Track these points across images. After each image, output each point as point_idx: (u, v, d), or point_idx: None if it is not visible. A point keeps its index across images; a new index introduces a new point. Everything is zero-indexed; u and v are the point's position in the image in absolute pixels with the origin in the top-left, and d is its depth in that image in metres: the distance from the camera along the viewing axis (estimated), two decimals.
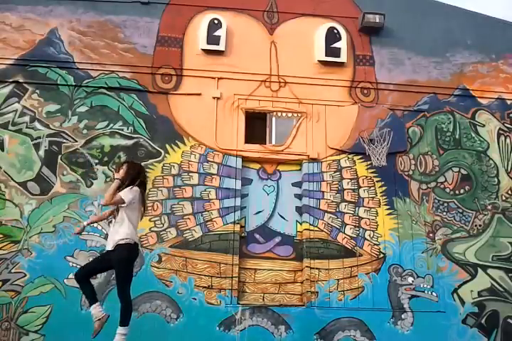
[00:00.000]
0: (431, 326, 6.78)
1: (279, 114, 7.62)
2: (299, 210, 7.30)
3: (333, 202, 7.27)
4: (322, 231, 7.11)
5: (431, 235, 7.26)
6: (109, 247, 4.84)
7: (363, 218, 7.24)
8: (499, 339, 6.91)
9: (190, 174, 7.14)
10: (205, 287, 6.66)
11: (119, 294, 4.76)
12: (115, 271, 4.84)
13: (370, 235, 7.16)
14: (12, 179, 6.79)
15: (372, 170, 7.47)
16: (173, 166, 7.14)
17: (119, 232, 4.79)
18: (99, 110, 7.24)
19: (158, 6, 7.80)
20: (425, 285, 7.00)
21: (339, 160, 7.48)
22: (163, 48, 7.65)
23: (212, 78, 7.56)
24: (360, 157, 7.51)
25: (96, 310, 4.76)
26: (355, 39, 8.10)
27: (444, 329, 6.82)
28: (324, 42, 7.78)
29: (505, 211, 7.54)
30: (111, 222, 4.96)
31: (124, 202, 4.76)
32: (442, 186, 7.55)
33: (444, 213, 7.40)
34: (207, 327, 6.45)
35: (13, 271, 6.43)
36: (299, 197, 7.37)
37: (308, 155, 7.40)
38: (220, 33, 7.62)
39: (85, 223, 5.14)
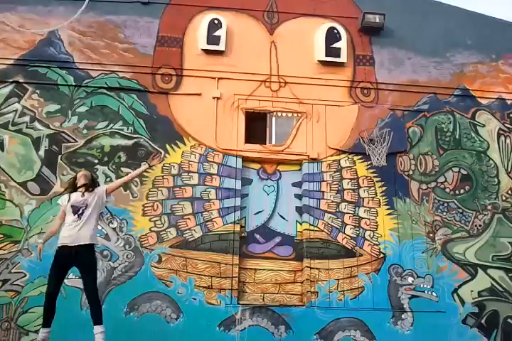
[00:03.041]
0: (431, 326, 6.78)
1: (279, 114, 7.62)
2: (299, 210, 7.30)
3: (333, 202, 7.27)
4: (322, 231, 7.11)
5: (431, 235, 7.26)
6: (77, 242, 4.88)
7: (363, 218, 7.24)
8: (499, 339, 6.92)
9: (190, 174, 7.14)
10: (205, 287, 6.66)
11: (95, 296, 4.84)
12: (90, 273, 4.89)
13: (370, 235, 7.16)
14: (12, 179, 6.79)
15: (372, 170, 7.47)
16: (173, 166, 7.14)
17: (87, 232, 4.95)
18: (99, 110, 7.24)
19: (158, 6, 7.80)
20: (425, 285, 7.01)
21: (339, 160, 7.48)
22: (163, 48, 7.65)
23: (212, 78, 7.56)
24: (360, 157, 7.51)
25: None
26: (355, 39, 8.10)
27: (444, 329, 6.82)
28: (324, 42, 7.78)
29: (505, 211, 7.54)
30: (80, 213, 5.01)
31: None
32: (442, 186, 7.55)
33: (444, 213, 7.40)
34: (207, 327, 6.45)
35: (13, 271, 6.44)
36: (299, 197, 7.37)
37: (308, 155, 7.40)
38: (220, 33, 7.62)
39: (41, 241, 5.17)
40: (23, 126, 7.03)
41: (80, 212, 4.96)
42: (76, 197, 5.11)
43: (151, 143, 7.18)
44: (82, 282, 4.94)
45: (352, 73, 7.93)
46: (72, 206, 5.04)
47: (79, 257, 4.85)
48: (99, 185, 5.43)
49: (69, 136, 7.07)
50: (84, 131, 7.12)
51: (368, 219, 7.24)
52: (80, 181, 5.20)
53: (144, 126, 7.24)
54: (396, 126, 7.71)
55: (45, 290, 4.94)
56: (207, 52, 7.65)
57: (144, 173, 7.00)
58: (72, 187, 5.25)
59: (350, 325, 6.69)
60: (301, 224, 7.22)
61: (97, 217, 5.14)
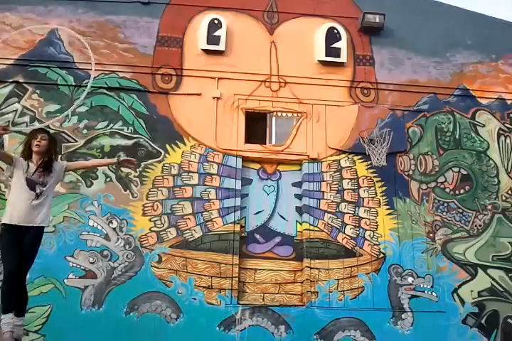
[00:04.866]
0: (431, 326, 6.77)
1: (279, 114, 7.62)
2: (299, 210, 7.30)
3: (333, 202, 7.26)
4: (322, 231, 7.11)
5: (431, 235, 7.26)
6: (31, 223, 4.47)
7: (363, 218, 7.24)
8: (499, 339, 6.91)
9: (190, 174, 7.13)
10: (205, 287, 6.66)
11: (23, 278, 4.40)
12: (31, 252, 4.47)
13: (370, 235, 7.16)
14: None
15: (372, 170, 7.47)
16: (173, 166, 7.14)
17: (43, 214, 4.54)
18: (99, 110, 7.24)
19: (158, 6, 7.80)
20: (425, 285, 7.00)
21: (339, 160, 7.47)
22: (163, 48, 7.65)
23: (212, 78, 7.56)
24: (360, 157, 7.51)
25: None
26: (355, 39, 8.10)
27: (444, 329, 6.82)
28: (324, 42, 7.78)
29: (505, 211, 7.54)
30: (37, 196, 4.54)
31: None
32: (442, 186, 7.55)
33: (444, 213, 7.40)
34: (207, 327, 6.45)
35: None
36: (299, 197, 7.37)
37: (308, 155, 7.40)
38: (220, 33, 7.62)
39: None
40: (23, 126, 7.02)
41: (38, 191, 4.51)
42: (32, 170, 4.56)
43: (151, 143, 7.18)
44: (17, 261, 4.38)
45: (352, 73, 7.93)
46: (27, 179, 4.53)
47: (28, 237, 4.45)
48: (56, 153, 4.82)
49: (69, 136, 7.07)
50: (84, 131, 7.12)
51: (368, 219, 7.24)
52: (35, 157, 4.62)
53: (144, 126, 7.24)
54: (396, 126, 7.71)
55: (6, 270, 4.35)
56: (207, 52, 7.64)
57: (144, 173, 7.02)
58: (28, 152, 4.63)
59: (350, 325, 6.68)
60: (301, 224, 7.22)
61: (51, 196, 4.71)
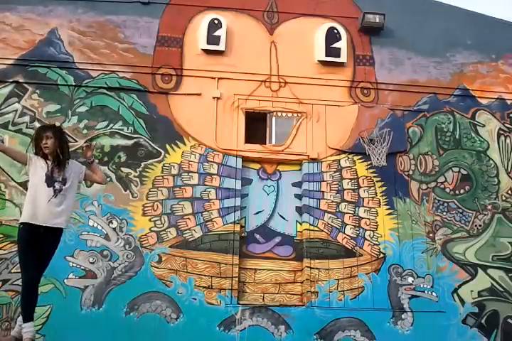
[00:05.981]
0: (431, 326, 6.77)
1: (279, 114, 7.63)
2: (299, 210, 7.30)
3: (333, 202, 7.26)
4: (322, 231, 7.11)
5: (431, 235, 7.26)
6: (49, 223, 4.35)
7: (363, 218, 7.24)
8: (499, 339, 6.92)
9: (190, 174, 7.14)
10: (205, 287, 6.66)
11: (39, 280, 4.38)
12: (49, 255, 4.47)
13: (370, 235, 7.16)
14: (12, 179, 6.79)
15: (372, 170, 7.47)
16: (173, 166, 7.14)
17: (64, 214, 4.47)
18: (99, 110, 7.25)
19: (158, 6, 7.80)
20: (425, 285, 7.00)
21: (339, 160, 7.48)
22: (163, 48, 7.65)
23: (212, 78, 7.56)
24: (360, 157, 7.51)
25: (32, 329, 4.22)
26: (355, 39, 8.10)
27: (444, 329, 6.82)
28: (324, 42, 7.78)
29: (505, 211, 7.54)
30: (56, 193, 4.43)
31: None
32: (442, 186, 7.55)
33: (444, 213, 7.40)
34: (207, 327, 6.45)
35: (13, 271, 6.43)
36: (299, 197, 7.37)
37: (308, 155, 7.41)
38: (220, 33, 7.62)
39: None
40: (23, 126, 7.03)
41: (58, 187, 4.41)
42: (49, 167, 4.47)
43: (151, 143, 7.18)
44: (36, 264, 4.38)
45: (352, 73, 7.93)
46: (46, 175, 4.41)
47: (47, 239, 4.37)
48: (66, 146, 4.66)
49: (69, 136, 7.05)
50: (84, 131, 7.12)
51: (368, 219, 7.24)
52: (49, 156, 4.52)
53: (144, 126, 7.24)
54: (396, 126, 7.71)
55: (26, 277, 4.32)
56: (207, 52, 7.65)
57: (144, 173, 7.02)
58: (40, 150, 4.53)
59: (350, 325, 6.68)
60: (301, 224, 7.22)
61: (74, 198, 4.69)
